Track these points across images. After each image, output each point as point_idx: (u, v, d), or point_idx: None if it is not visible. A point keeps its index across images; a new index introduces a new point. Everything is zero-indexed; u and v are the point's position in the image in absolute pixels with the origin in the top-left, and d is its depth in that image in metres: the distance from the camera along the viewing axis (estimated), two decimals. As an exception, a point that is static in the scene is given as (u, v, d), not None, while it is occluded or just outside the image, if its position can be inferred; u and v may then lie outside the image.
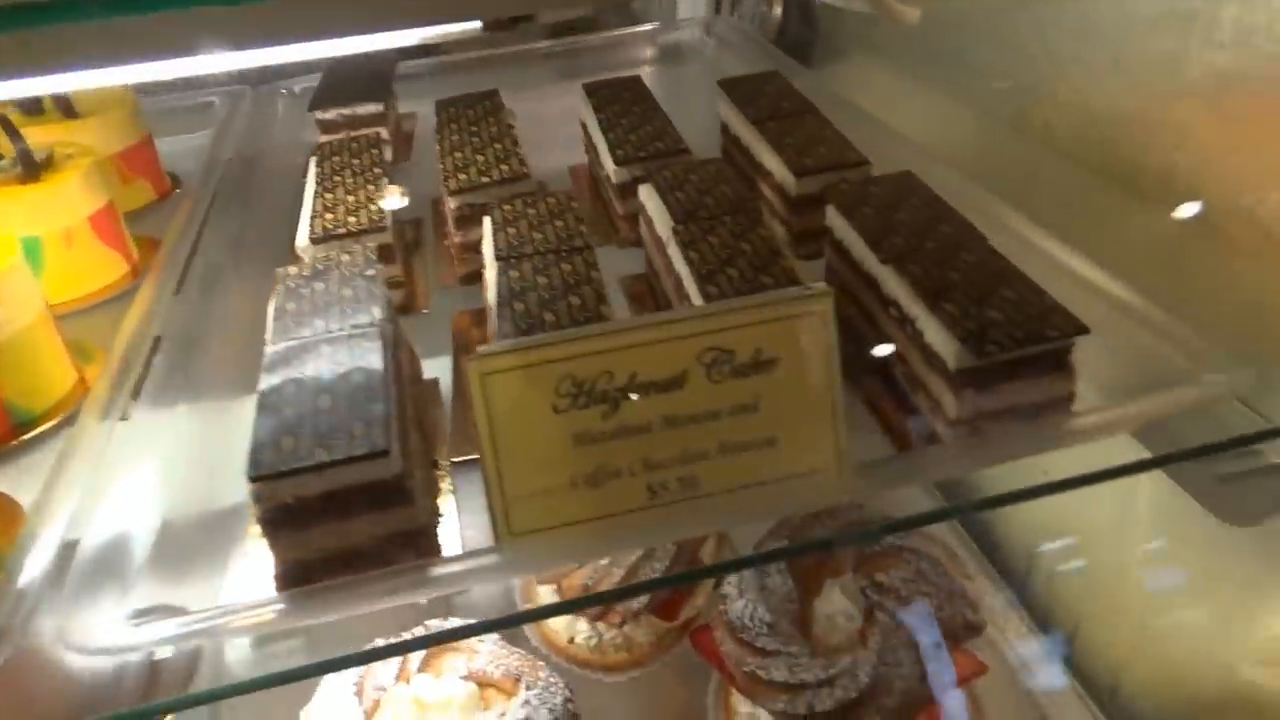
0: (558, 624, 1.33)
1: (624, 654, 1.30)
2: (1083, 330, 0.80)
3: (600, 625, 1.30)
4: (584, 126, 1.47)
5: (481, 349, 0.76)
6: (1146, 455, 0.88)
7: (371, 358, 0.80)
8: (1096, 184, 1.25)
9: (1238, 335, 0.91)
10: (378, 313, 0.86)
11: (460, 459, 0.93)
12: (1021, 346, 0.79)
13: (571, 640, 1.32)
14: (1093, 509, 1.43)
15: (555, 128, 1.62)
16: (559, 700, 1.09)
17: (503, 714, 1.05)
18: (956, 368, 0.81)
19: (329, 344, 0.82)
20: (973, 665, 1.18)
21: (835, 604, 1.11)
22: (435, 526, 0.78)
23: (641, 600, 1.21)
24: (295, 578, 0.71)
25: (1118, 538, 1.39)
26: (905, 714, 1.03)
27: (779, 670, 1.05)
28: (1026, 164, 1.40)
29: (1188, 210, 1.10)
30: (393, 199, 1.18)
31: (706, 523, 0.84)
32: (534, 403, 0.77)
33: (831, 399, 0.81)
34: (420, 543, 0.75)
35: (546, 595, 1.35)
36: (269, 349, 0.82)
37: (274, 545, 0.70)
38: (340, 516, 0.71)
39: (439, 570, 0.73)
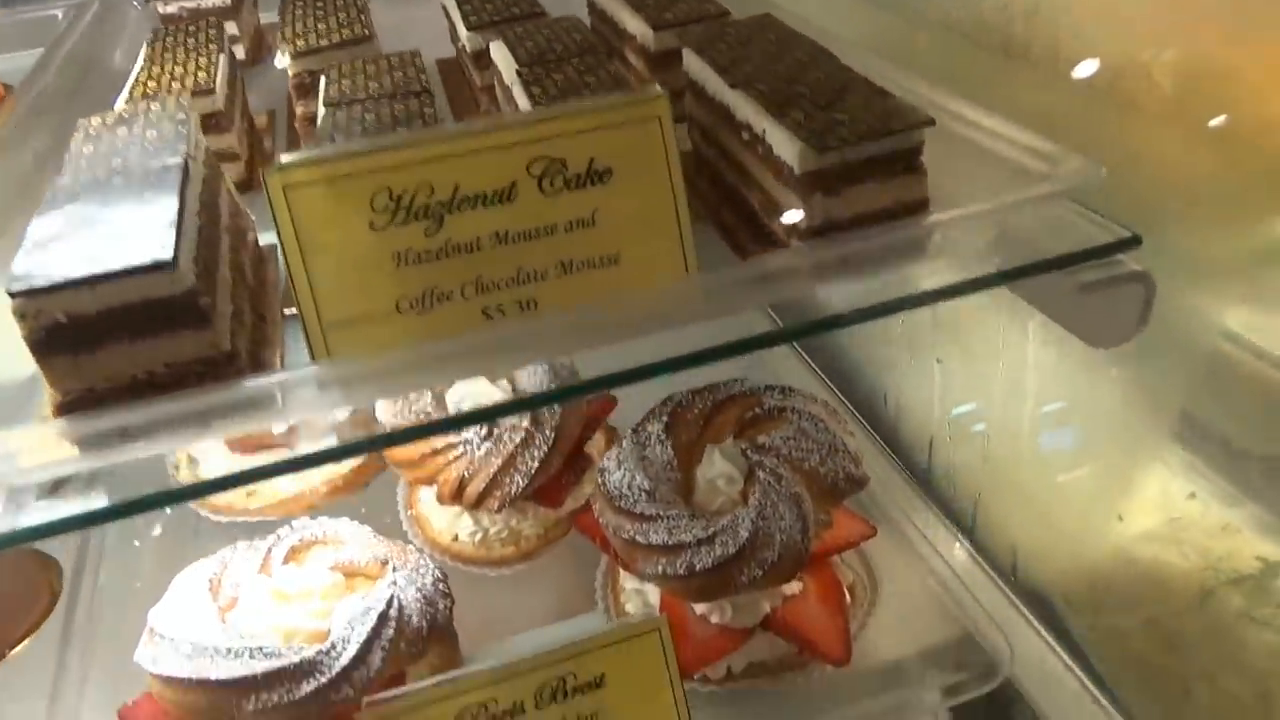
0: (440, 523, 1.27)
1: (511, 548, 1.26)
2: (928, 122, 0.77)
3: (485, 519, 1.25)
4: (444, 8, 1.40)
5: (284, 157, 0.69)
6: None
7: (169, 183, 0.73)
8: (987, 58, 1.23)
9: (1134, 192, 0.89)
10: (183, 148, 0.79)
11: (290, 311, 0.86)
12: (866, 141, 0.76)
13: (456, 538, 1.26)
14: (988, 379, 1.42)
15: (424, 26, 1.55)
16: (428, 580, 1.03)
17: (365, 596, 0.99)
18: (802, 171, 0.77)
19: (123, 175, 0.75)
20: (862, 528, 1.16)
21: (716, 467, 1.07)
22: (242, 356, 0.71)
23: (520, 483, 1.16)
24: (79, 408, 0.64)
25: (1011, 408, 1.38)
26: (787, 568, 1.00)
27: (658, 533, 1.01)
28: (916, 43, 1.37)
29: (1084, 70, 1.08)
30: (226, 69, 1.10)
31: (548, 347, 0.79)
32: (347, 219, 0.71)
33: (675, 211, 0.76)
34: (226, 372, 0.68)
35: (428, 498, 1.29)
36: (56, 181, 0.74)
37: (50, 373, 0.63)
38: (127, 339, 0.64)
39: (243, 393, 0.67)
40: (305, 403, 0.70)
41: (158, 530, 1.36)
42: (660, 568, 1.00)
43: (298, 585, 1.02)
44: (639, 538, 1.02)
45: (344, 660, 0.92)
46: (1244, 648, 1.14)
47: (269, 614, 0.99)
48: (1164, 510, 1.24)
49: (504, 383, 1.28)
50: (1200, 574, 1.18)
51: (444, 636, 1.01)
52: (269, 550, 1.08)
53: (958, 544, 1.26)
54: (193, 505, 1.35)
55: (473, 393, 1.26)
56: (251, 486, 1.35)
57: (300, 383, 0.70)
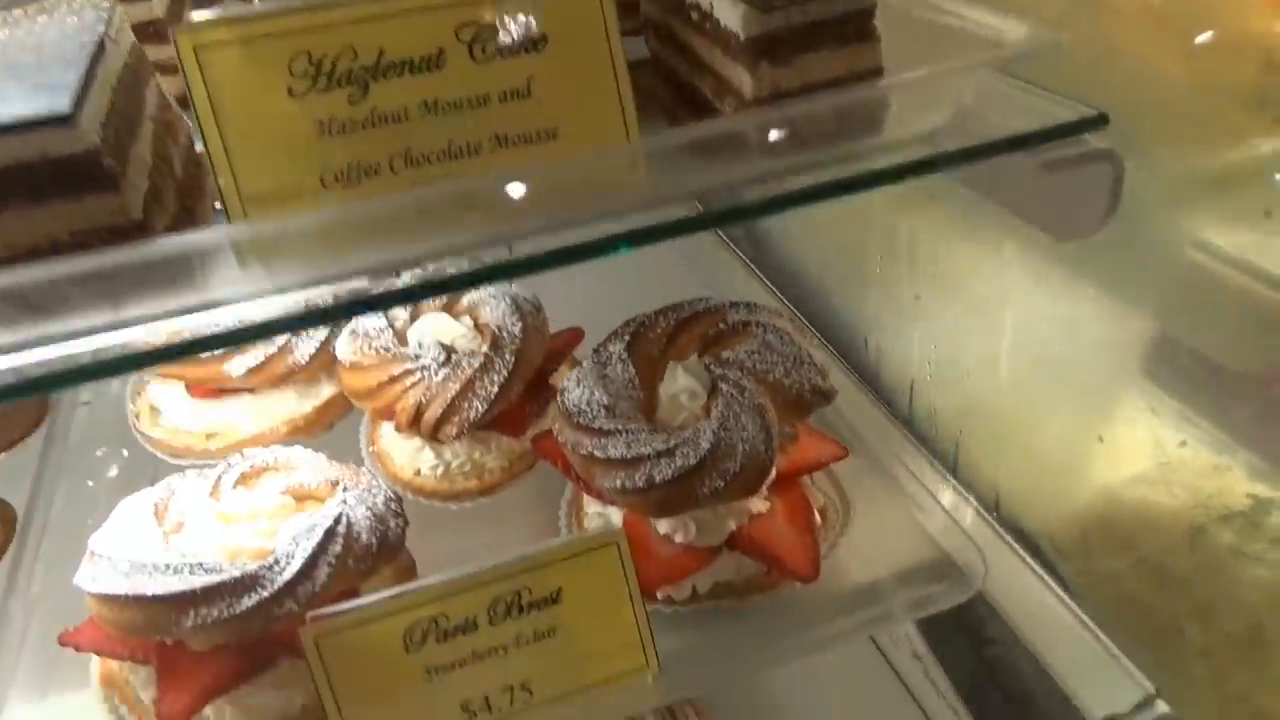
0: (402, 458, 1.24)
1: (474, 481, 1.22)
2: (875, -23, 0.73)
3: (446, 452, 1.21)
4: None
5: (195, 14, 0.66)
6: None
7: (80, 58, 0.70)
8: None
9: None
10: (100, 30, 0.75)
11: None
12: (812, 1, 0.72)
13: (418, 472, 1.23)
14: (967, 315, 1.39)
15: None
16: (379, 499, 1.00)
17: (313, 515, 0.96)
18: (746, 36, 0.73)
19: (35, 53, 0.71)
20: (833, 449, 1.12)
21: (678, 383, 1.04)
22: (157, 229, 0.68)
23: (479, 409, 1.12)
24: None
25: (990, 345, 1.35)
26: (750, 479, 0.96)
27: (616, 447, 0.98)
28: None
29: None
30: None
31: (481, 222, 0.76)
32: (265, 84, 0.68)
33: (615, 82, 0.73)
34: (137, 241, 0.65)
35: (390, 433, 1.26)
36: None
37: (-58, 232, 0.60)
38: (29, 201, 0.61)
39: (153, 253, 0.63)
40: (224, 268, 0.67)
41: (114, 472, 1.32)
42: (619, 482, 0.97)
43: (246, 508, 0.99)
44: (597, 452, 0.98)
45: (287, 575, 0.89)
46: (1236, 583, 1.11)
47: (214, 536, 0.96)
48: (1153, 455, 1.21)
49: (466, 319, 1.25)
50: (1190, 512, 1.15)
51: (396, 555, 0.98)
52: (219, 477, 1.04)
53: (937, 475, 1.22)
54: (150, 448, 1.32)
55: (435, 327, 1.23)
56: (211, 429, 1.32)
57: (218, 245, 0.66)
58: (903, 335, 1.56)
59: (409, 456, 1.23)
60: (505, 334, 1.17)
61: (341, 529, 0.93)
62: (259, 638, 0.93)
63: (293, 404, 1.34)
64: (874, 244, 1.57)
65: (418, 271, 0.71)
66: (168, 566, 0.89)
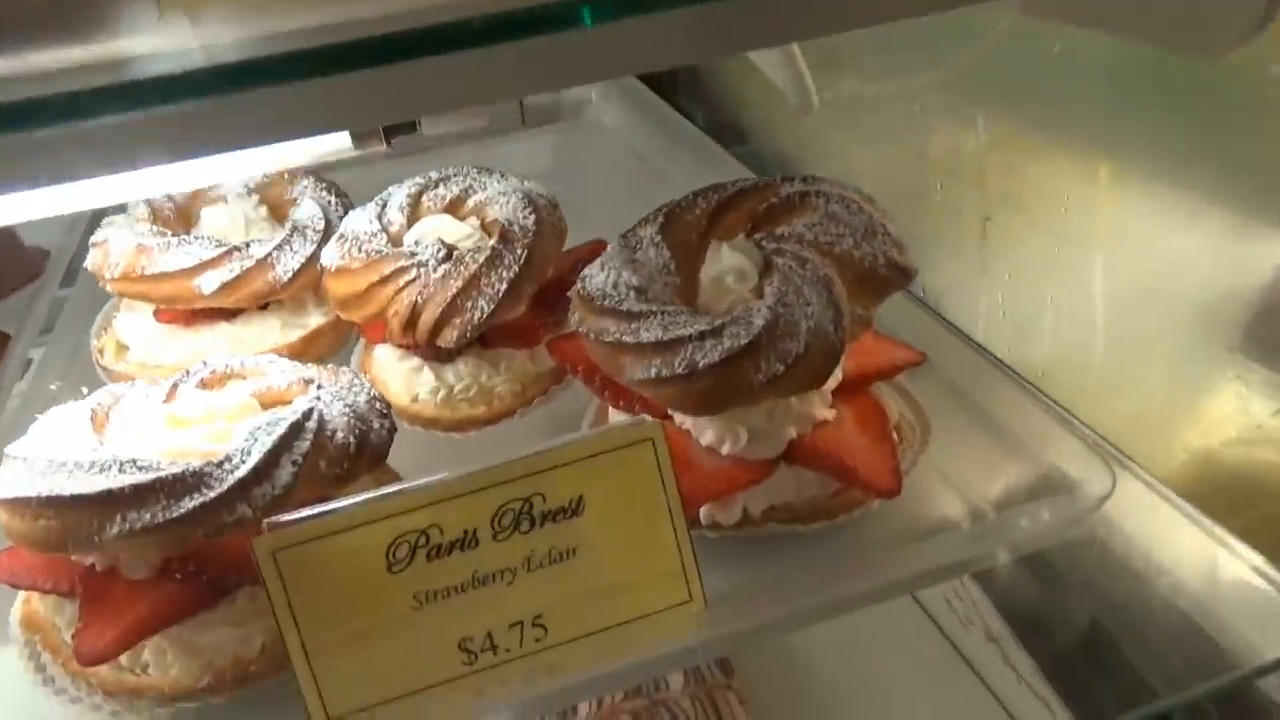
0: (398, 383, 1.06)
1: (480, 407, 1.04)
2: None
3: (448, 374, 1.03)
4: None
5: None
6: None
7: None
8: None
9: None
10: None
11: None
12: None
13: (415, 398, 1.05)
14: (1047, 243, 1.20)
15: None
16: (361, 398, 0.82)
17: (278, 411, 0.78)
18: None
19: None
20: (908, 353, 0.94)
21: (724, 262, 0.85)
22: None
23: (484, 309, 0.94)
24: None
25: (1076, 277, 1.16)
26: (817, 364, 0.77)
27: (650, 330, 0.79)
28: None
29: None
30: None
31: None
32: None
33: None
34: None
35: (385, 356, 1.08)
36: None
37: None
38: None
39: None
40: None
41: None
42: (654, 370, 0.78)
43: (201, 409, 0.81)
44: (626, 338, 0.80)
45: (241, 473, 0.71)
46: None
47: (159, 440, 0.78)
48: (1245, 420, 1.02)
49: (473, 219, 1.08)
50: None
51: (378, 462, 0.79)
52: (175, 384, 0.87)
53: (1026, 394, 1.02)
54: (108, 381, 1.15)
55: (436, 228, 1.06)
56: (183, 362, 1.14)
57: None
58: (968, 272, 1.37)
59: (405, 380, 1.05)
60: (516, 227, 0.99)
61: (311, 425, 0.75)
62: (208, 560, 0.75)
63: (276, 333, 1.17)
64: (935, 162, 1.39)
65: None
66: (92, 465, 0.71)
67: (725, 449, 0.84)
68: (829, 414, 0.86)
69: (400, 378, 1.06)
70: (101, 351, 1.22)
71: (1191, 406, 1.07)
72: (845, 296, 0.80)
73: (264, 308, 1.18)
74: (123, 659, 0.77)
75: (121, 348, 1.22)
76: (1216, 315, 1.01)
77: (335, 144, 0.87)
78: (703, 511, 0.84)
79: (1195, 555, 0.86)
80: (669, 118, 1.75)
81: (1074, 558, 0.99)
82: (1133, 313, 1.12)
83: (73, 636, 0.73)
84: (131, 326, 1.20)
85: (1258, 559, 0.84)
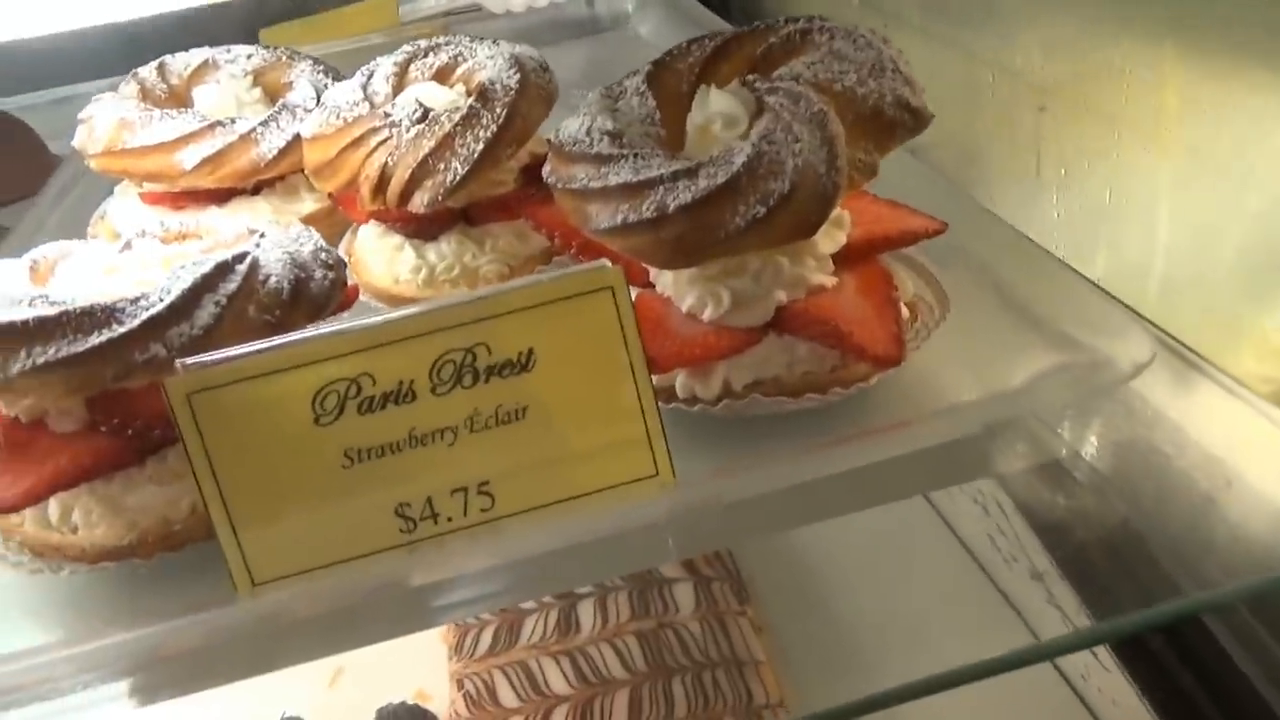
0: (379, 264, 1.00)
1: (463, 288, 0.97)
2: None
3: (429, 252, 0.96)
4: None
5: None
6: None
7: None
8: None
9: None
10: None
11: None
12: None
13: (396, 280, 0.98)
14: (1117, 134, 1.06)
15: None
16: (308, 248, 0.75)
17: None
18: None
19: None
20: (926, 221, 0.83)
21: (712, 107, 0.76)
22: None
23: (458, 170, 0.87)
24: None
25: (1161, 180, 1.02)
26: (804, 206, 0.67)
27: (619, 173, 0.71)
28: None
29: None
30: None
31: None
32: None
33: None
34: None
35: (368, 236, 1.02)
36: None
37: None
38: None
39: None
40: None
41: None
42: (620, 216, 0.69)
43: (137, 257, 0.76)
44: (593, 183, 0.71)
45: (156, 309, 0.65)
46: None
47: (93, 286, 0.73)
48: None
49: (460, 86, 1.00)
50: None
51: (319, 311, 0.72)
52: (128, 241, 0.81)
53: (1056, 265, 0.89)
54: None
55: (420, 94, 0.98)
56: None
57: None
58: (1022, 174, 1.24)
59: (387, 260, 0.98)
60: (498, 86, 0.91)
61: (242, 266, 0.69)
62: (132, 413, 0.69)
63: (267, 218, 1.10)
64: (987, 60, 1.26)
65: None
66: (8, 299, 0.66)
67: (707, 314, 0.75)
68: (829, 281, 0.76)
69: (382, 258, 0.99)
70: (95, 238, 1.18)
71: (1258, 320, 0.94)
72: (842, 135, 0.70)
73: (256, 192, 1.13)
74: (52, 517, 0.72)
75: (115, 235, 1.18)
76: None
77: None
78: (679, 383, 0.76)
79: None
80: (714, 24, 1.65)
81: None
82: (1203, 212, 0.99)
83: (-14, 484, 0.69)
84: (122, 212, 1.16)
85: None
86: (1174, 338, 0.90)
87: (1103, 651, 1.00)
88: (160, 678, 0.70)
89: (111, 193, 1.23)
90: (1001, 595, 1.17)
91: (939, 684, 0.63)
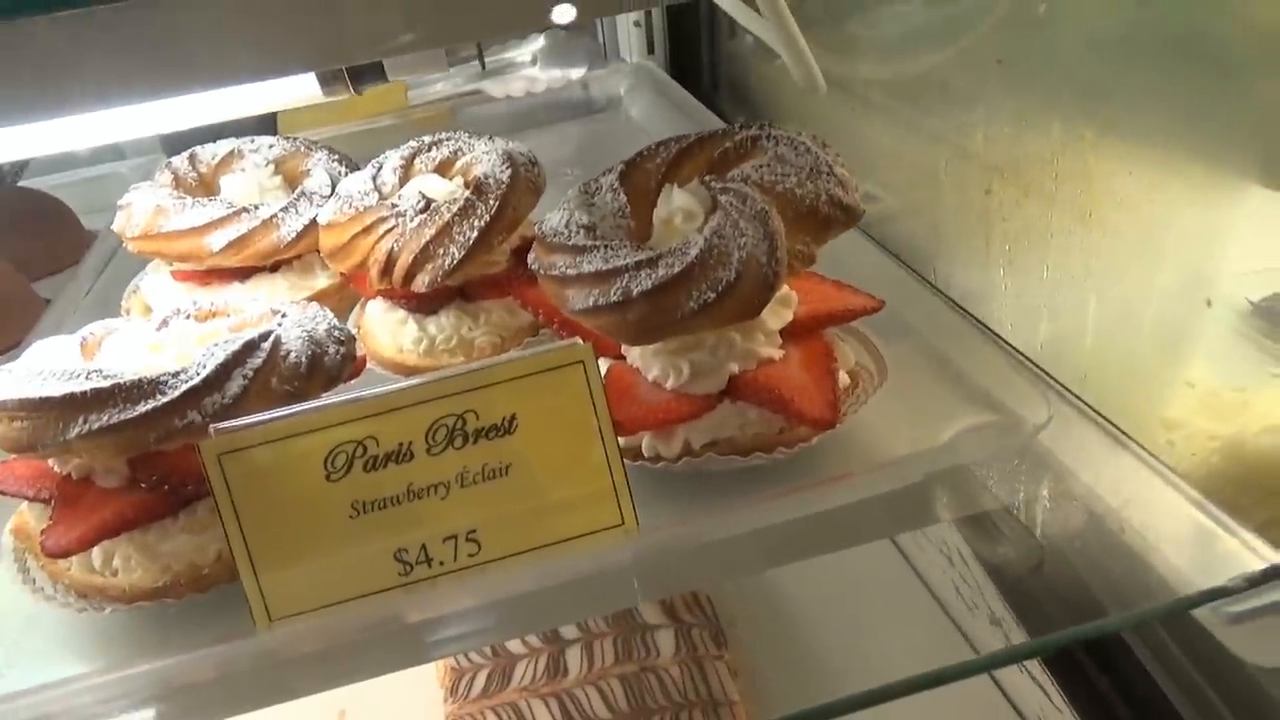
0: (384, 335, 1.11)
1: (460, 357, 1.08)
2: None
3: (430, 325, 1.08)
4: None
5: None
6: None
7: None
8: None
9: None
10: None
11: None
12: None
13: (400, 349, 1.10)
14: (1052, 219, 1.18)
15: None
16: (321, 326, 0.87)
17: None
18: None
19: None
20: (865, 300, 0.94)
21: (674, 203, 0.88)
22: None
23: (455, 255, 0.99)
24: None
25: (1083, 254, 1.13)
26: (749, 291, 0.79)
27: (591, 262, 0.82)
28: None
29: None
30: None
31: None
32: None
33: None
34: None
35: (375, 310, 1.14)
36: None
37: None
38: None
39: None
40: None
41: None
42: (592, 300, 0.81)
43: (175, 334, 0.87)
44: (569, 270, 0.83)
45: (193, 382, 0.76)
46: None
47: (137, 361, 0.84)
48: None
49: (459, 178, 1.13)
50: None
51: (332, 382, 0.84)
52: (165, 319, 0.93)
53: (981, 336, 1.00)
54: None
55: (424, 186, 1.10)
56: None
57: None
58: (973, 249, 1.36)
59: (391, 332, 1.10)
60: (491, 180, 1.03)
61: (266, 344, 0.80)
62: (170, 471, 0.80)
63: (284, 294, 1.23)
64: (942, 142, 1.38)
65: None
66: (65, 373, 0.78)
67: (669, 383, 0.86)
68: (776, 353, 0.87)
69: (387, 330, 1.11)
70: (128, 312, 1.30)
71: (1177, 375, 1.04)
72: (782, 230, 0.82)
73: (274, 270, 1.25)
74: (95, 562, 0.83)
75: (147, 309, 1.31)
76: (1217, 286, 0.98)
77: (304, 90, 0.92)
78: (645, 443, 0.86)
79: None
80: (700, 114, 1.76)
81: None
82: (1123, 286, 1.10)
83: (41, 533, 0.79)
84: (154, 288, 1.28)
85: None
86: (1090, 405, 1.01)
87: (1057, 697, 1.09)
88: (187, 704, 0.80)
89: (144, 268, 1.36)
90: (964, 638, 1.26)
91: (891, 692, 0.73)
